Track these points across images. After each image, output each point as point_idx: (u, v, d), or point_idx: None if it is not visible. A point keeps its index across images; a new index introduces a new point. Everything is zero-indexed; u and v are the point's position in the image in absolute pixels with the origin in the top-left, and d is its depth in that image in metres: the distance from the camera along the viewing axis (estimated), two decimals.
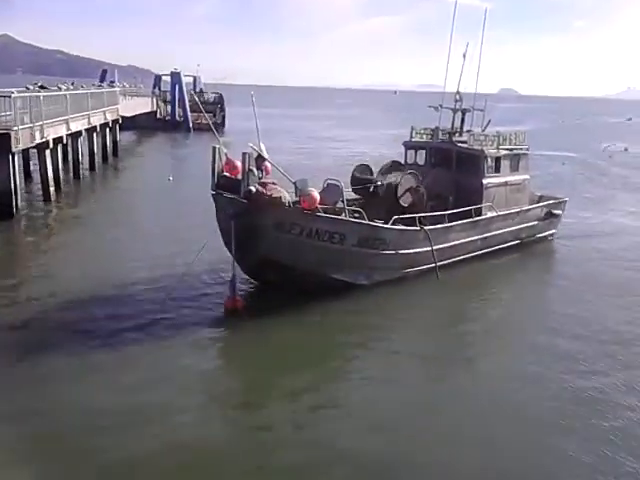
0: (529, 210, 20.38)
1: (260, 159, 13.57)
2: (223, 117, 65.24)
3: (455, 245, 17.36)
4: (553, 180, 37.05)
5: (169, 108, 62.94)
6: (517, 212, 19.74)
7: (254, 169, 13.30)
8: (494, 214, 18.66)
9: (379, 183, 17.58)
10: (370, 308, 14.48)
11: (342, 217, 14.35)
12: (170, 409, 9.55)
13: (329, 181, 15.46)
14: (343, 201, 14.55)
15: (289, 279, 13.88)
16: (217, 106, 65.47)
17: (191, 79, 71.22)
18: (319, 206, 13.68)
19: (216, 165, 13.87)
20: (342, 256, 14.47)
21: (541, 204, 21.17)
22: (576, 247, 21.20)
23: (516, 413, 10.05)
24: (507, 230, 19.36)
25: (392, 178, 17.59)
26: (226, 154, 14.04)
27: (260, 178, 13.53)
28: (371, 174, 18.65)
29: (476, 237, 18.07)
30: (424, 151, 19.90)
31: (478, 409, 10.14)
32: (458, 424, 9.65)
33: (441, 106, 20.24)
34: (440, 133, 20.18)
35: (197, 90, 70.53)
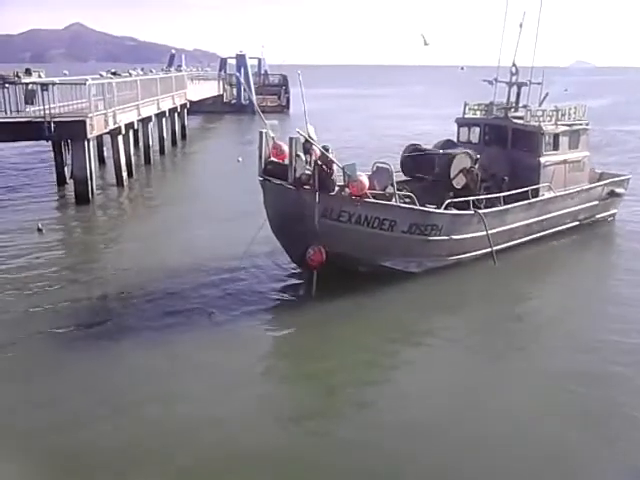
0: (589, 190, 19.27)
1: (308, 143, 13.16)
2: (287, 99, 65.35)
3: (511, 228, 16.59)
4: (628, 157, 35.39)
5: (235, 91, 63.61)
6: (577, 192, 18.69)
7: (302, 154, 12.94)
8: (552, 195, 17.75)
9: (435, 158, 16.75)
10: (424, 297, 13.98)
11: (392, 203, 13.86)
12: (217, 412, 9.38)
13: (378, 164, 14.95)
14: (393, 185, 14.03)
15: (339, 267, 13.44)
16: (282, 88, 65.63)
17: (256, 61, 71.61)
18: (368, 191, 13.26)
19: (263, 150, 13.56)
20: (393, 243, 14.02)
21: (602, 183, 19.92)
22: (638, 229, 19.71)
23: (573, 415, 9.39)
24: (566, 211, 18.41)
25: (445, 157, 16.79)
26: (273, 138, 13.67)
27: (308, 163, 13.13)
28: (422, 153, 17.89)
29: (533, 219, 17.22)
30: (478, 128, 19.02)
31: (535, 409, 9.58)
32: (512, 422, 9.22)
33: (496, 80, 19.23)
34: (495, 109, 19.19)
35: (262, 72, 70.99)
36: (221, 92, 62.82)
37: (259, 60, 73.40)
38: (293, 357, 11.67)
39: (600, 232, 19.65)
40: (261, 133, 13.55)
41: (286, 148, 13.08)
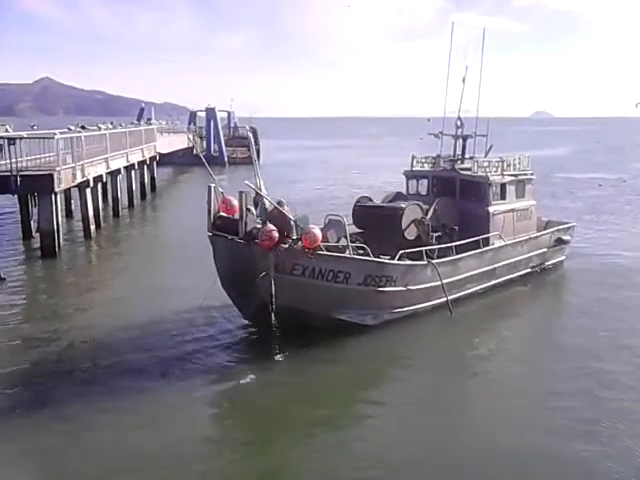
0: (537, 237, 19.57)
1: (258, 196, 12.97)
2: (258, 150, 66.05)
3: (465, 277, 16.62)
4: (585, 204, 36.57)
5: (205, 143, 64.15)
6: (526, 240, 18.93)
7: (252, 208, 12.74)
8: (502, 243, 17.93)
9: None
10: (380, 352, 13.76)
11: (346, 255, 13.69)
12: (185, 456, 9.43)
13: (331, 217, 14.75)
14: (346, 237, 13.91)
15: (293, 323, 13.03)
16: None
17: (225, 114, 72.50)
18: (321, 244, 12.99)
19: (212, 205, 13.34)
20: (348, 295, 13.79)
21: (549, 230, 20.31)
22: (588, 275, 20.02)
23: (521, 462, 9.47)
24: (516, 259, 18.57)
25: (396, 208, 16.95)
26: (222, 193, 13.53)
27: (259, 217, 12.92)
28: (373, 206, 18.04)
29: (486, 268, 17.30)
30: (426, 180, 19.20)
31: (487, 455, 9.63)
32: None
33: (442, 133, 19.65)
34: (442, 161, 19.50)
35: (231, 125, 71.82)
36: (191, 144, 63.25)
37: (228, 113, 74.28)
38: (251, 417, 11.27)
39: (550, 279, 19.86)
40: (209, 187, 13.40)
41: (236, 202, 12.89)
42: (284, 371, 12.53)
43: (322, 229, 13.72)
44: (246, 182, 12.80)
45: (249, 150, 72.75)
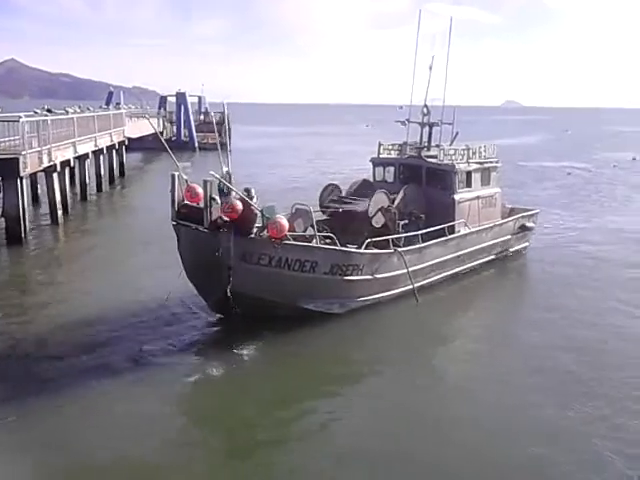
0: (502, 224, 19.82)
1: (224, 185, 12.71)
2: (229, 136, 65.70)
3: (431, 265, 16.77)
4: (553, 192, 37.20)
5: (175, 129, 63.35)
6: (490, 227, 19.15)
7: (216, 197, 12.49)
8: (468, 230, 18.10)
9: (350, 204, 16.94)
10: (347, 341, 13.78)
11: (313, 244, 13.69)
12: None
13: (297, 206, 14.77)
14: (313, 226, 13.92)
15: (258, 312, 13.09)
16: (222, 126, 65.88)
17: (196, 99, 71.64)
18: (288, 233, 12.96)
19: (176, 193, 13.15)
20: (314, 285, 13.79)
21: (513, 217, 20.63)
22: (551, 261, 20.49)
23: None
24: (481, 246, 18.78)
25: (363, 202, 16.95)
26: (187, 181, 13.29)
27: (224, 204, 12.60)
28: (340, 193, 18.27)
29: (451, 255, 17.46)
30: (392, 167, 19.25)
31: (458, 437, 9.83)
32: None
33: (408, 120, 19.70)
34: (408, 148, 19.60)
35: (202, 110, 71.00)
36: (161, 129, 62.43)
37: (199, 98, 73.41)
38: (228, 400, 11.19)
39: (514, 265, 20.17)
40: (173, 176, 13.14)
41: (200, 190, 12.70)
42: (251, 364, 12.36)
43: (289, 218, 13.72)
44: (211, 172, 12.53)
45: (220, 136, 72.16)
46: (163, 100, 69.21)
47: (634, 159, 56.88)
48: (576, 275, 18.75)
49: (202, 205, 12.57)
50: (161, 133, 62.22)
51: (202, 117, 67.36)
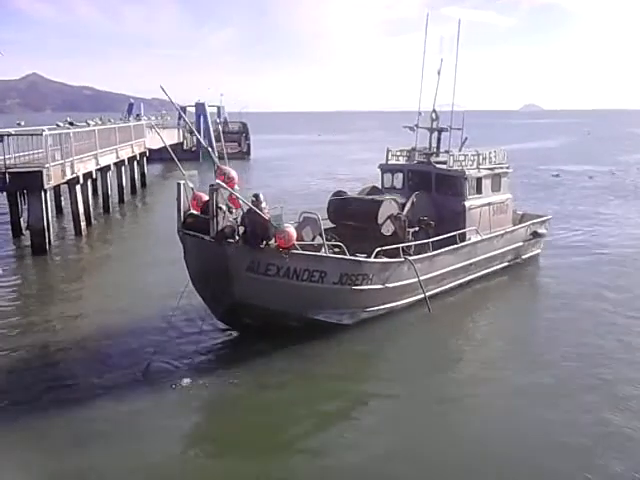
0: (514, 231, 19.49)
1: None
2: (248, 146, 66.23)
3: (442, 273, 16.45)
4: (573, 197, 36.73)
5: (195, 139, 63.82)
6: (502, 234, 18.82)
7: (223, 205, 12.19)
8: (479, 238, 17.78)
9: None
10: (358, 351, 13.47)
11: (321, 253, 13.36)
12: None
13: (305, 214, 14.45)
14: (321, 235, 13.56)
15: (267, 324, 12.88)
16: (242, 135, 66.52)
17: (215, 109, 72.21)
18: (296, 243, 12.65)
19: (182, 202, 12.87)
20: (324, 295, 13.45)
21: (525, 224, 20.25)
22: (564, 267, 20.13)
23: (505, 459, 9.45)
24: (493, 253, 18.47)
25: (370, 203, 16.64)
26: (193, 189, 13.10)
27: (230, 213, 12.50)
28: (349, 201, 17.64)
29: (463, 263, 17.16)
30: (401, 174, 18.97)
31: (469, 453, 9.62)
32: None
33: (417, 126, 19.38)
34: (417, 154, 19.22)
35: (221, 120, 71.55)
36: (181, 140, 63.00)
37: (218, 108, 73.98)
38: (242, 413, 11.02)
39: (526, 273, 19.78)
40: (179, 185, 12.89)
41: (207, 198, 12.44)
42: (263, 373, 12.14)
43: (297, 227, 13.49)
44: (217, 181, 12.18)
45: (239, 145, 72.53)
46: (183, 111, 69.77)
47: None
48: (591, 283, 18.19)
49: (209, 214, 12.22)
50: (181, 144, 63.03)
51: (221, 127, 67.94)
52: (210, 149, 14.32)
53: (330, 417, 11.08)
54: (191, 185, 13.25)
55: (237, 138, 65.79)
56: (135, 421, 10.49)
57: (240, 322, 13.16)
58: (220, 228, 12.11)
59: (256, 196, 12.75)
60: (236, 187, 12.57)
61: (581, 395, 11.40)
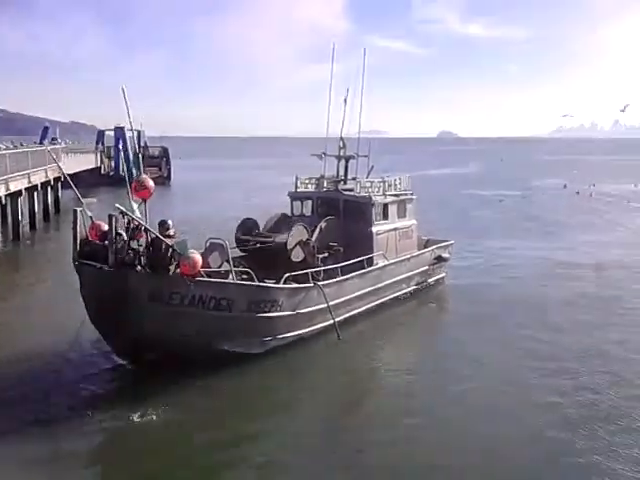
0: (419, 255, 20.06)
1: (134, 221, 11.91)
2: (169, 170, 65.39)
3: (351, 298, 16.58)
4: (483, 221, 38.31)
5: (113, 163, 62.40)
6: (408, 258, 19.32)
7: (123, 233, 11.71)
8: (386, 262, 18.16)
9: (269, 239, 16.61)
10: (267, 382, 13.06)
11: (228, 280, 13.05)
12: None
13: (212, 240, 14.15)
14: (229, 261, 13.33)
15: (171, 357, 12.15)
16: (162, 160, 65.61)
17: (135, 133, 70.87)
18: (201, 270, 12.19)
19: (78, 231, 12.26)
20: (231, 324, 13.05)
21: (430, 249, 20.89)
22: (468, 289, 20.84)
23: None
24: (400, 278, 18.88)
25: (282, 235, 16.60)
26: (91, 217, 12.54)
27: (132, 241, 11.88)
28: (257, 228, 17.76)
29: (371, 288, 17.38)
30: (310, 201, 19.17)
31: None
32: None
33: (325, 154, 19.79)
34: (325, 182, 19.61)
35: (141, 144, 70.29)
36: (98, 164, 61.45)
37: (138, 132, 72.64)
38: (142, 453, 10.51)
39: (432, 296, 20.28)
40: (75, 212, 12.31)
41: (107, 227, 11.89)
42: (159, 417, 11.32)
43: (203, 254, 13.06)
44: (116, 205, 11.78)
45: (160, 170, 71.34)
46: (101, 134, 68.15)
47: (565, 186, 59.40)
48: (494, 303, 19.01)
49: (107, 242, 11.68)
50: (99, 168, 61.46)
51: (141, 151, 66.74)
52: (127, 174, 13.91)
53: (230, 456, 10.45)
54: (90, 213, 12.64)
55: (157, 163, 64.90)
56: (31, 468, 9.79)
57: (142, 356, 12.43)
58: (120, 256, 11.60)
59: (163, 222, 12.41)
60: (137, 208, 11.98)
61: (494, 416, 11.74)
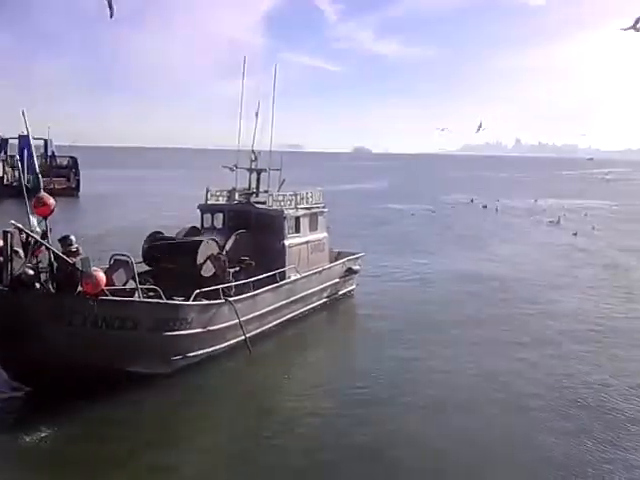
0: (331, 268, 20.25)
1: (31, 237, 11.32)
2: (78, 181, 62.93)
3: (263, 313, 16.44)
4: (399, 232, 39.74)
5: (17, 173, 59.52)
6: (320, 271, 19.42)
7: (20, 250, 11.16)
8: (298, 276, 18.15)
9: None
10: (176, 405, 12.56)
11: (134, 299, 12.59)
12: None
13: (117, 256, 13.47)
14: (135, 278, 12.79)
15: (73, 380, 11.44)
16: (71, 170, 63.17)
17: (42, 142, 67.95)
18: (105, 288, 11.72)
19: None
20: (137, 344, 12.55)
21: (340, 261, 21.12)
22: (380, 300, 21.35)
23: None
24: (312, 291, 18.96)
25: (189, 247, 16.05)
26: None
27: (33, 258, 11.33)
28: (166, 241, 16.99)
29: (283, 302, 17.29)
30: (221, 214, 18.86)
31: None
32: None
33: (236, 166, 19.70)
34: (237, 194, 19.41)
35: (49, 154, 67.51)
36: (1, 174, 58.50)
37: (45, 141, 69.75)
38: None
39: (343, 308, 20.75)
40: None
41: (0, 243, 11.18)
42: (57, 444, 10.79)
43: (107, 271, 12.65)
44: (12, 222, 11.24)
45: (68, 181, 68.35)
46: (4, 143, 64.91)
47: (472, 201, 62.09)
48: (402, 313, 19.65)
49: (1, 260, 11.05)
50: (1, 178, 58.45)
51: (49, 161, 64.12)
52: (26, 184, 13.25)
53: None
54: None
55: (66, 173, 62.44)
56: None
57: (41, 380, 11.69)
58: (16, 275, 11.00)
59: (65, 238, 11.95)
60: (39, 225, 11.52)
61: (406, 425, 12.09)
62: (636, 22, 26.07)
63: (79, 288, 11.65)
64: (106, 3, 21.27)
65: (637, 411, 12.87)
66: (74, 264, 11.55)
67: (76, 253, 11.91)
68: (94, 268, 11.72)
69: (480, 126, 62.89)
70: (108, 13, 21.48)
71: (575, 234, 39.96)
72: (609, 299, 22.60)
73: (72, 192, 58.99)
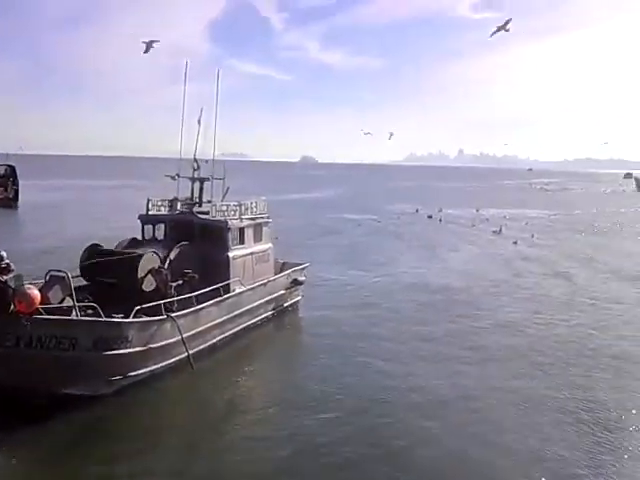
0: (276, 280, 19.81)
1: None
2: (16, 191, 60.68)
3: (207, 328, 15.92)
4: (346, 242, 39.97)
5: None
6: (265, 283, 18.98)
7: None
8: (243, 288, 17.70)
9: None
10: (115, 427, 12.08)
11: (71, 317, 12.10)
12: None
13: (52, 272, 12.86)
14: (72, 295, 12.30)
15: (5, 403, 11.16)
16: (9, 179, 60.86)
17: None
18: (40, 306, 11.33)
19: None
20: (75, 365, 12.06)
21: (286, 272, 20.73)
22: (326, 311, 21.19)
23: None
24: (257, 303, 18.50)
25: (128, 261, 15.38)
26: None
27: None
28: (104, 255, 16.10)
29: (228, 316, 16.82)
30: (163, 225, 18.22)
31: None
32: None
33: (178, 175, 19.14)
34: (179, 204, 18.87)
35: None
36: None
37: None
38: None
39: (289, 319, 20.43)
40: None
41: None
42: None
43: (42, 288, 12.17)
44: None
45: (6, 191, 66.30)
46: None
47: (417, 211, 62.93)
48: (346, 324, 19.64)
49: None
50: None
51: None
52: None
53: None
54: None
55: (3, 182, 60.16)
56: None
57: None
58: None
59: None
60: None
61: (356, 435, 12.09)
62: (506, 23, 26.95)
63: (11, 307, 11.15)
64: None
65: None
66: (5, 282, 11.06)
67: (8, 270, 11.47)
68: (28, 285, 11.34)
69: (392, 134, 67.35)
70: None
71: (515, 242, 41.15)
72: (549, 307, 23.09)
73: (9, 203, 57.01)
